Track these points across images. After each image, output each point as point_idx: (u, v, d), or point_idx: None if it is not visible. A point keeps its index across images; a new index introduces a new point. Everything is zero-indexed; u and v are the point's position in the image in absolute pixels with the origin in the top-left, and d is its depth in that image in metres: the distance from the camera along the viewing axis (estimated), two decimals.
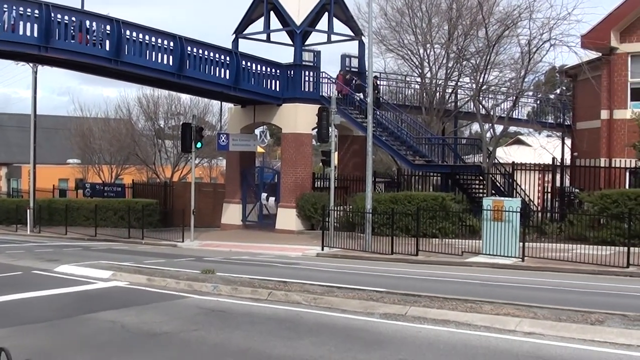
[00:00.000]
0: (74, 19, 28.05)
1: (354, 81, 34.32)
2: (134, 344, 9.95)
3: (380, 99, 34.51)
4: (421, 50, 37.53)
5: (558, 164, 33.72)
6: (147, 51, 30.30)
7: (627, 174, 28.80)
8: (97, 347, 9.70)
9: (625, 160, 28.49)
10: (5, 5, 26.31)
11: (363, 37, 35.75)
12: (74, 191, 52.12)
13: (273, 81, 34.54)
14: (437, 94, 37.63)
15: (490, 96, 37.81)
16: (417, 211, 25.37)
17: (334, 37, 37.16)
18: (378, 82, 35.31)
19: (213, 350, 9.45)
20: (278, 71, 34.54)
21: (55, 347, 9.76)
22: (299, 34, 34.54)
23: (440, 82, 37.74)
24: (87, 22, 28.49)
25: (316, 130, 29.27)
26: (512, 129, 50.72)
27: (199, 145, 31.19)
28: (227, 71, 32.79)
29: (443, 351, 9.25)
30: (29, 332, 10.70)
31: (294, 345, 9.67)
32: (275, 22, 36.54)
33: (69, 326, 11.21)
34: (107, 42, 28.94)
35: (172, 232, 32.46)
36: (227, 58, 32.91)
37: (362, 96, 33.62)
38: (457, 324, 10.91)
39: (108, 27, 28.95)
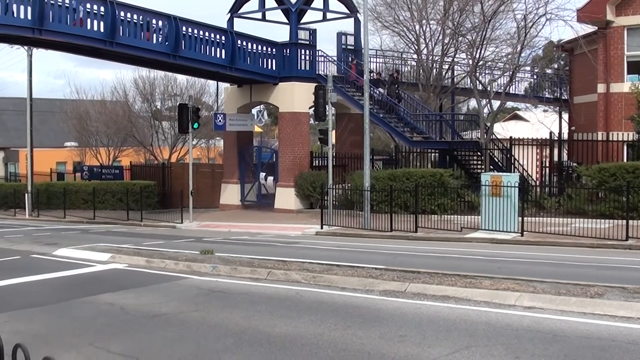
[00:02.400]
0: (67, 0, 27.85)
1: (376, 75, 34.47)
2: (133, 325, 9.92)
3: (399, 92, 34.17)
4: (417, 27, 37.37)
5: (556, 138, 33.63)
6: (142, 32, 30.16)
7: (625, 147, 28.76)
8: (96, 330, 9.66)
9: (623, 134, 28.44)
10: None
11: (358, 15, 35.58)
12: (72, 174, 52.05)
13: (269, 60, 34.39)
14: (434, 70, 37.48)
15: (487, 72, 37.66)
16: (416, 188, 25.35)
17: (329, 15, 37.02)
18: (398, 76, 34.82)
19: (213, 330, 9.43)
20: (274, 50, 34.38)
21: (52, 331, 9.71)
22: (294, 12, 34.31)
23: (436, 59, 37.59)
24: (81, 4, 28.28)
25: (313, 108, 29.18)
26: (510, 104, 50.70)
27: (195, 125, 31.09)
28: (223, 51, 32.68)
29: (443, 327, 9.23)
30: (26, 316, 10.67)
31: (294, 323, 9.67)
32: (270, 1, 36.35)
33: (66, 310, 11.18)
34: (102, 23, 28.80)
35: (170, 214, 32.46)
36: (223, 38, 32.76)
37: (381, 90, 33.61)
38: (457, 299, 10.90)
39: (102, 8, 28.79)
